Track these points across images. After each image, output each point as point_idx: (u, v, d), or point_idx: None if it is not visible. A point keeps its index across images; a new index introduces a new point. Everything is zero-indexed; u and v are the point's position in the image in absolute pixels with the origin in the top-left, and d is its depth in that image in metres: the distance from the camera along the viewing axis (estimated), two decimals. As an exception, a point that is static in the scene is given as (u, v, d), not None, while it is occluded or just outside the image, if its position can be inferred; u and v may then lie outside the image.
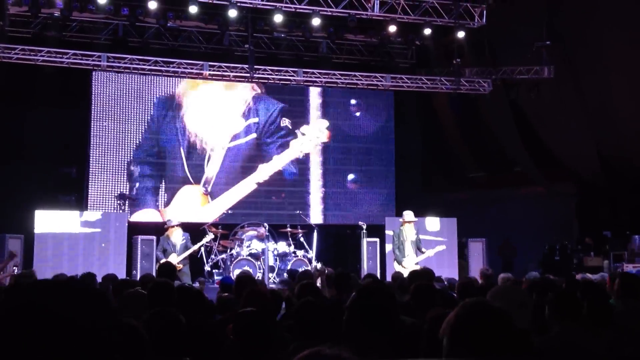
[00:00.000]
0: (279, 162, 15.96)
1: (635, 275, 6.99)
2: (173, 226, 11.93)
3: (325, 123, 16.34)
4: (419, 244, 12.18)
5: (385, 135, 17.42)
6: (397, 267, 11.97)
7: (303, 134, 16.19)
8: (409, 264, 11.67)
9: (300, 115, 16.75)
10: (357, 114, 17.33)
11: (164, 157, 15.26)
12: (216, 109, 15.79)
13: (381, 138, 17.39)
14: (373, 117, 17.44)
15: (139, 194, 15.10)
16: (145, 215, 15.15)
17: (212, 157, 15.37)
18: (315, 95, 16.98)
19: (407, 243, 12.02)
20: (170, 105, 15.58)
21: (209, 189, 15.32)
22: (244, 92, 16.04)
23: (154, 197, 15.20)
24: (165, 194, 15.26)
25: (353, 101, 17.28)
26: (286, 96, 16.65)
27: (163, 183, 15.34)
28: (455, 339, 2.03)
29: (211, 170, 15.38)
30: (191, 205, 15.13)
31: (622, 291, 5.39)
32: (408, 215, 12.26)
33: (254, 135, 15.85)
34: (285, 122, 16.14)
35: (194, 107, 15.62)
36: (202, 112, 15.66)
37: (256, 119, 15.95)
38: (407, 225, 12.16)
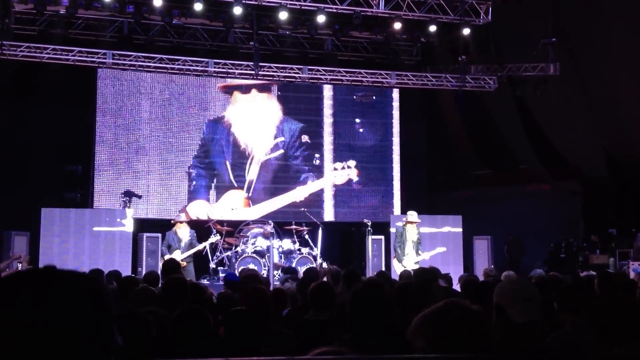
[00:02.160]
0: (313, 186, 17.18)
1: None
2: (182, 222, 11.97)
3: (354, 162, 17.32)
4: (419, 246, 12.23)
5: (390, 132, 17.41)
6: (397, 265, 12.05)
7: (336, 169, 17.20)
8: (408, 263, 11.77)
9: (315, 114, 17.13)
10: (362, 111, 17.37)
11: (213, 166, 16.57)
12: (253, 128, 16.88)
13: (386, 135, 17.39)
14: (378, 114, 17.43)
15: (195, 189, 16.36)
16: (198, 205, 16.25)
17: (251, 168, 16.83)
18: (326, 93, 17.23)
19: (409, 243, 12.12)
20: (217, 126, 16.62)
21: (250, 194, 16.77)
22: (277, 114, 17.17)
23: (207, 193, 16.43)
24: (215, 193, 16.52)
25: (356, 97, 17.32)
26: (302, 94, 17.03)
27: (214, 184, 16.50)
28: (431, 342, 2.00)
29: (250, 178, 16.85)
30: (235, 205, 16.45)
31: None
32: (411, 216, 12.32)
33: (281, 151, 17.11)
34: (305, 138, 17.19)
35: (237, 126, 16.81)
36: (243, 131, 16.86)
37: (282, 138, 17.06)
38: (410, 225, 12.22)
